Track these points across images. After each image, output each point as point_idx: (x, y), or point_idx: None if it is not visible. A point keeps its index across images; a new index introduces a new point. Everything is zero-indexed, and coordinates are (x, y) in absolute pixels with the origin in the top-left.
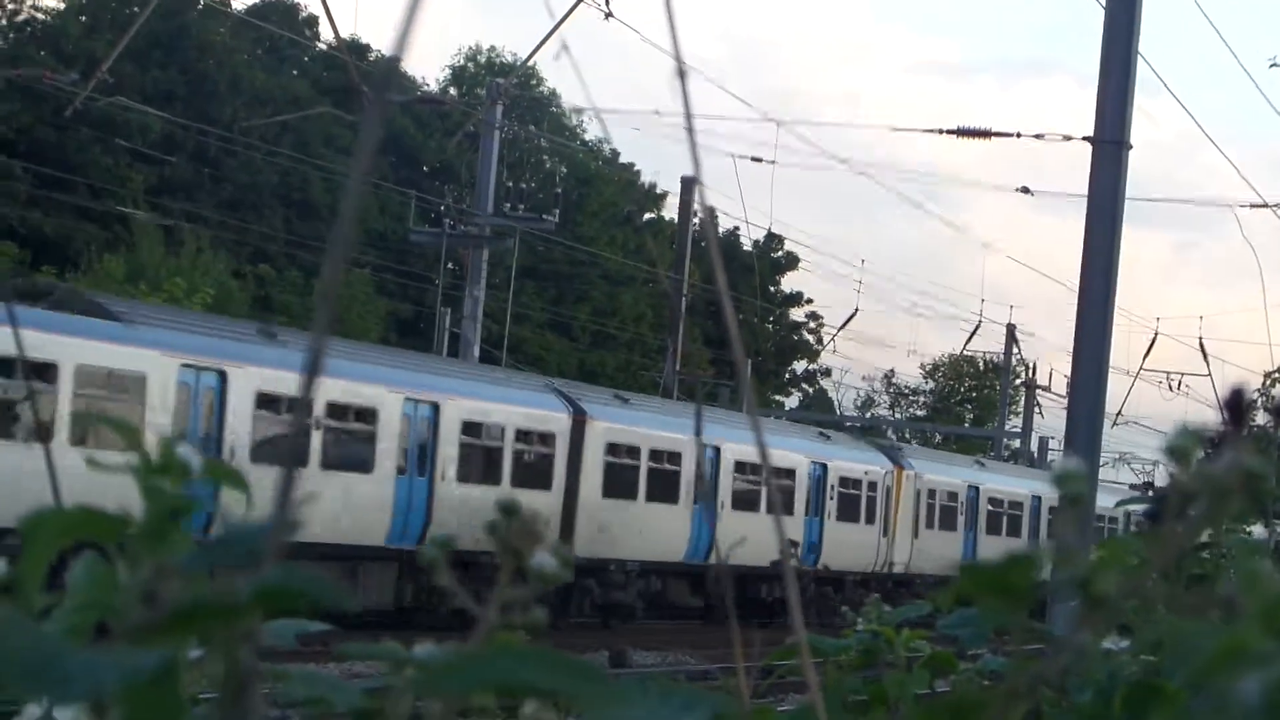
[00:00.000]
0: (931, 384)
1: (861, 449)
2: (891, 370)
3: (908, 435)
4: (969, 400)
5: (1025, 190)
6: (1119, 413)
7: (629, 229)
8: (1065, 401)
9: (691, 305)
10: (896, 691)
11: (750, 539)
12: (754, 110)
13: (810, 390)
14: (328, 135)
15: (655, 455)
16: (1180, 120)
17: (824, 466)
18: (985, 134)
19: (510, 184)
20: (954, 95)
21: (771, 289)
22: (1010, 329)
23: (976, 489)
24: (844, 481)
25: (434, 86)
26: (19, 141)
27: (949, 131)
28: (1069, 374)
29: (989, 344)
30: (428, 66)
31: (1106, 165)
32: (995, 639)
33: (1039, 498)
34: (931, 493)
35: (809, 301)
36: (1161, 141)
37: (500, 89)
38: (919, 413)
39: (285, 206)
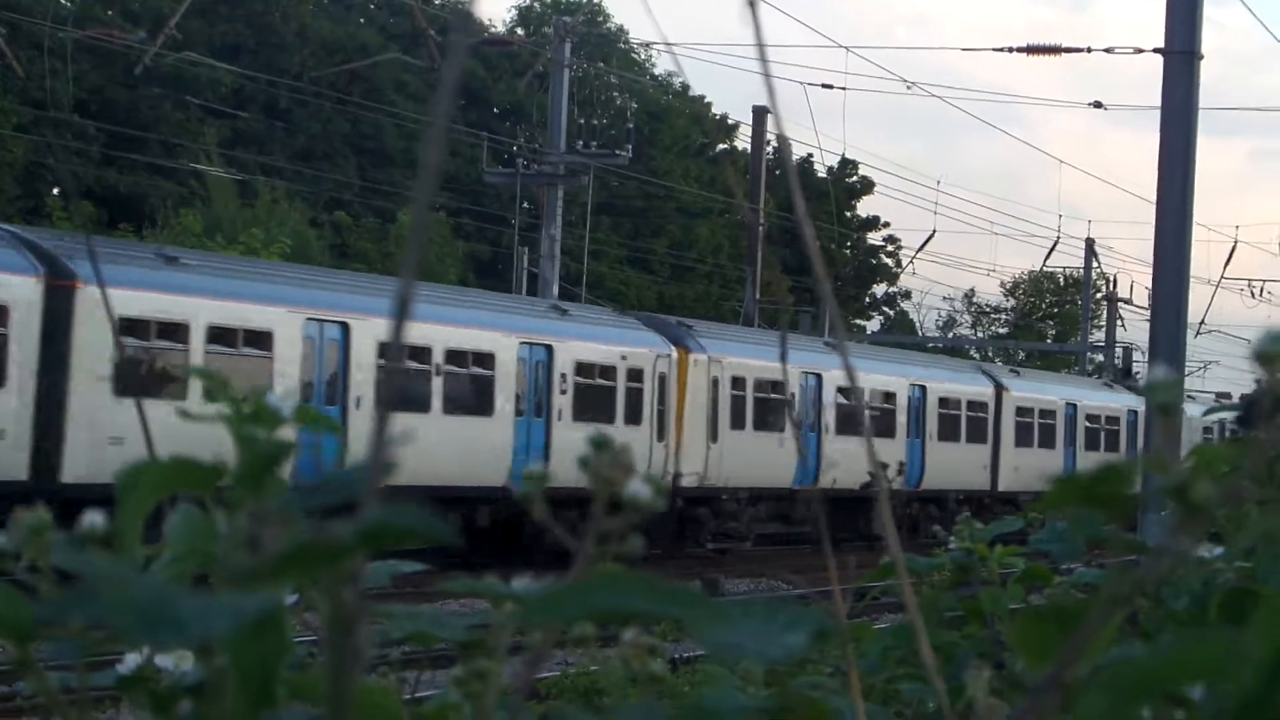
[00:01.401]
0: (1013, 301)
1: (621, 327)
2: (972, 289)
3: (991, 354)
4: (1051, 316)
5: (1098, 105)
6: (1201, 322)
7: (702, 161)
8: (1148, 313)
9: (768, 234)
10: (991, 607)
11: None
12: (822, 37)
13: (891, 313)
14: (397, 81)
15: (222, 336)
16: (1252, 28)
17: (548, 349)
18: (1055, 50)
19: (582, 121)
20: (1023, 13)
21: (848, 214)
22: (1089, 243)
23: (818, 377)
24: (583, 369)
25: (501, 28)
26: (90, 101)
27: (1019, 49)
28: (1150, 286)
29: (1068, 259)
30: (494, 7)
31: (1178, 76)
32: (1088, 553)
33: (922, 388)
34: (738, 382)
35: (886, 225)
36: (1233, 50)
37: (567, 27)
38: (1001, 331)
39: (358, 154)
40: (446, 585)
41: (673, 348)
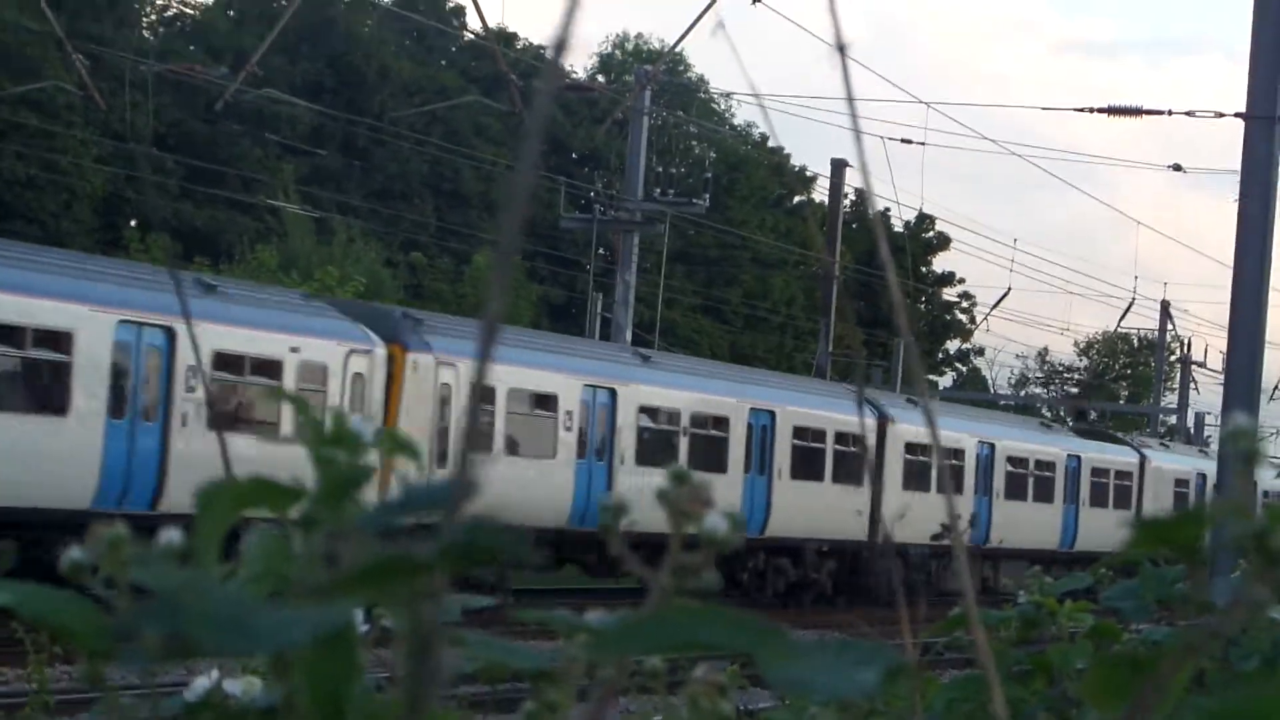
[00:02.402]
0: (1086, 361)
1: (299, 312)
2: (1045, 348)
3: (1063, 414)
4: (1124, 377)
5: (1177, 168)
6: (1276, 387)
7: (779, 212)
8: (1222, 377)
9: (843, 286)
10: (1060, 662)
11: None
12: (902, 92)
13: (964, 369)
14: (477, 124)
15: None
16: None
17: (167, 332)
18: (1136, 112)
19: (660, 169)
20: (1103, 74)
21: (923, 269)
22: (1164, 305)
23: (611, 393)
24: (226, 362)
25: (582, 74)
26: (170, 135)
27: (1099, 110)
28: (1225, 350)
29: (1143, 321)
30: (575, 54)
31: (1259, 141)
32: (1158, 612)
33: (770, 413)
34: (484, 393)
35: (961, 281)
36: None
37: (648, 75)
38: (1074, 390)
39: (435, 195)
40: (520, 614)
41: (379, 343)
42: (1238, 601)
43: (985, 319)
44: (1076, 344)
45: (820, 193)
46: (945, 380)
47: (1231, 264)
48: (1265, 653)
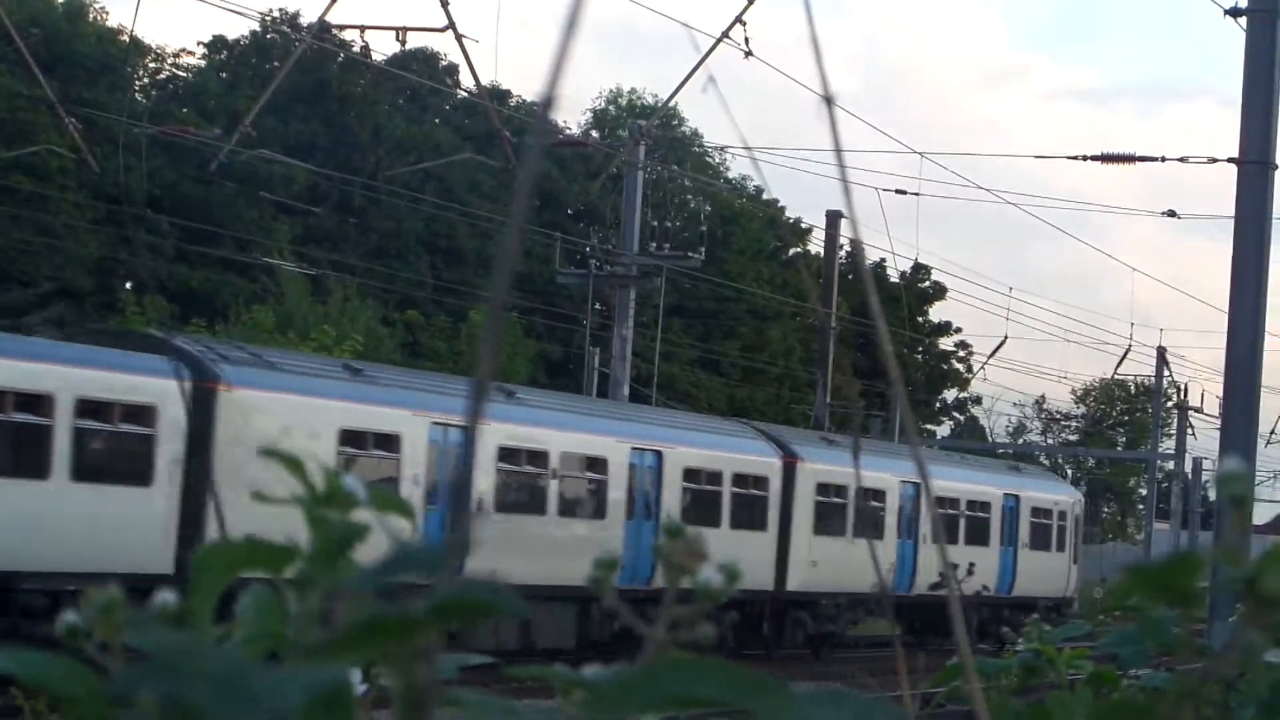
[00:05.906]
0: (1083, 409)
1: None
2: (1042, 396)
3: (1061, 461)
4: (1121, 424)
5: (1171, 214)
6: (1272, 431)
7: (775, 264)
8: (1218, 423)
9: (840, 337)
10: (1060, 711)
11: None
12: (895, 142)
13: (961, 418)
14: (471, 181)
15: None
16: None
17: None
18: (1129, 159)
19: (655, 223)
20: (1095, 121)
21: (919, 319)
22: (1161, 352)
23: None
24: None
25: (576, 129)
26: (164, 197)
27: (1092, 157)
28: (1221, 395)
29: (1140, 367)
30: (569, 110)
31: (1253, 186)
32: (1157, 657)
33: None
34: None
35: (958, 330)
36: None
37: (642, 130)
38: (1071, 438)
39: (431, 253)
40: (516, 671)
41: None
42: (1232, 645)
43: (982, 368)
44: (1074, 391)
45: (816, 244)
46: (943, 429)
47: (1227, 309)
48: (1263, 699)
